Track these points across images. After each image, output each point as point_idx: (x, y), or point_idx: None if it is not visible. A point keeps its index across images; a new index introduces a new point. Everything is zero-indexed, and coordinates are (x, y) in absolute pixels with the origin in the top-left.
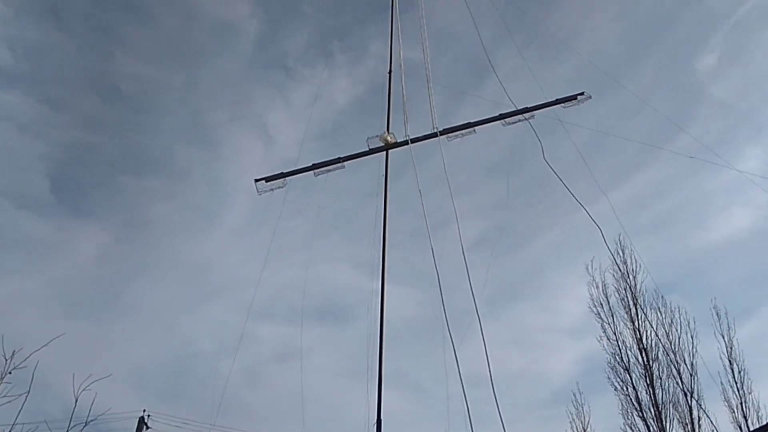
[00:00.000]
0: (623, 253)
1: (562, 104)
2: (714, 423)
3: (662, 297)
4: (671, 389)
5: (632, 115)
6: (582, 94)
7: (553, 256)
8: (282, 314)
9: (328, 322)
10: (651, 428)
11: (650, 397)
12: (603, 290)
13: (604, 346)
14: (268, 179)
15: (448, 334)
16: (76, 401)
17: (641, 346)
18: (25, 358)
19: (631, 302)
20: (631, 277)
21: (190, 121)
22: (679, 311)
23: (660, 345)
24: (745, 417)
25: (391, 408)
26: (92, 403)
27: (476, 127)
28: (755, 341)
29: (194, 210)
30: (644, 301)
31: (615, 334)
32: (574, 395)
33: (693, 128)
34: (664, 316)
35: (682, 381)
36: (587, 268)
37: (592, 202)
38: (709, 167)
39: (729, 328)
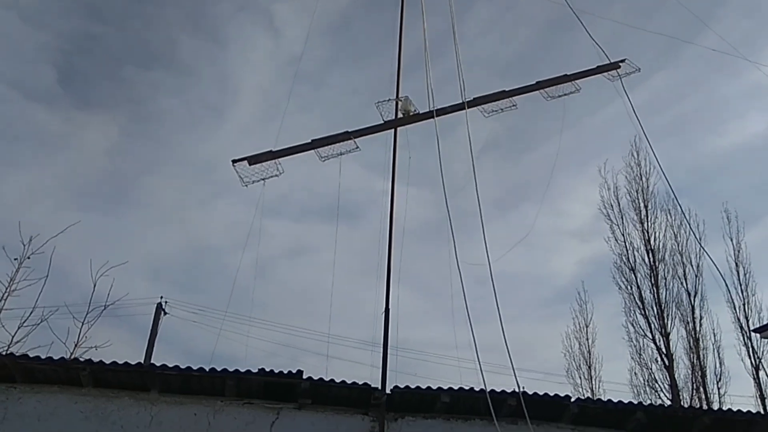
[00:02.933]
0: (637, 155)
1: (605, 73)
2: (715, 322)
3: (675, 199)
4: (675, 289)
5: (652, 12)
6: (624, 61)
7: (564, 159)
8: (292, 212)
9: (339, 220)
10: (653, 325)
11: (654, 296)
12: (614, 192)
13: (611, 247)
14: (252, 160)
15: (450, 227)
16: (95, 286)
17: (648, 247)
18: (42, 244)
19: (642, 204)
20: (643, 179)
21: (195, 11)
22: (689, 214)
23: (667, 247)
24: (746, 317)
25: (400, 302)
26: (110, 288)
27: (514, 98)
28: (762, 247)
29: (201, 105)
30: (655, 203)
31: (623, 235)
32: (578, 293)
33: (717, 28)
34: (673, 218)
35: (686, 281)
36: (600, 171)
37: (609, 102)
38: (728, 71)
39: (738, 231)
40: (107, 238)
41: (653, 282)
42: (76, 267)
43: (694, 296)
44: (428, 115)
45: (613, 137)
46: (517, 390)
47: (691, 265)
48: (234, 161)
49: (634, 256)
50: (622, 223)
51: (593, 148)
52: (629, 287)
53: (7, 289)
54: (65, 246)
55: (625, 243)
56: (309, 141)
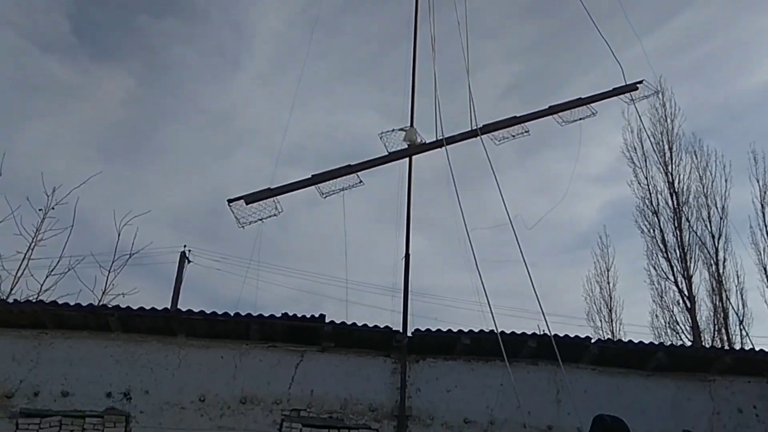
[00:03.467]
0: (662, 96)
1: (623, 94)
2: (739, 264)
3: (699, 140)
4: (699, 232)
5: None
6: (641, 82)
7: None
8: (310, 161)
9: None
10: (675, 268)
11: (677, 239)
12: (638, 134)
13: (634, 191)
14: (249, 199)
15: (452, 178)
16: (119, 235)
17: (672, 190)
18: (65, 194)
19: (666, 146)
20: (668, 121)
21: None
22: (715, 155)
23: (691, 189)
24: None
25: (418, 249)
26: (134, 238)
27: (526, 123)
28: None
29: (216, 53)
30: (680, 145)
31: (647, 178)
32: (600, 238)
33: None
34: (699, 160)
35: (711, 224)
36: (623, 113)
37: (631, 45)
38: (758, 7)
39: (765, 172)
40: (128, 188)
41: (676, 225)
42: (100, 217)
43: (718, 238)
44: (437, 144)
45: (638, 77)
46: (537, 332)
47: (716, 207)
48: (230, 201)
49: (658, 199)
50: (646, 166)
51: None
52: (652, 231)
53: (33, 239)
54: (88, 196)
55: (648, 186)
56: (309, 177)
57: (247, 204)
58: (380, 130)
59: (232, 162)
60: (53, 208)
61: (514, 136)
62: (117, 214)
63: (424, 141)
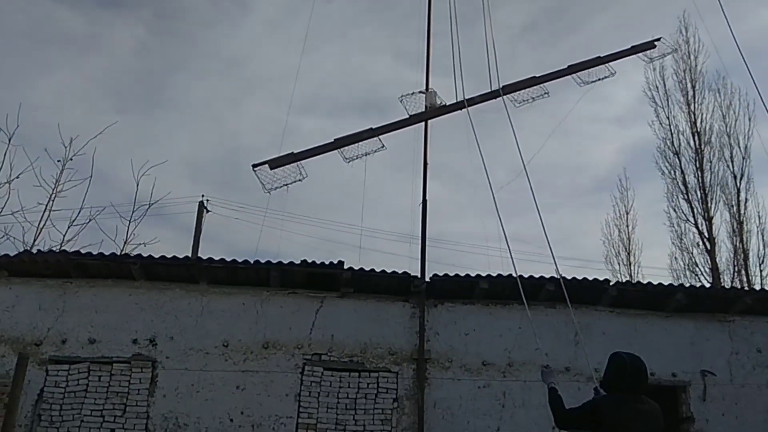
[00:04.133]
0: (686, 32)
1: (642, 53)
2: (760, 205)
3: (723, 78)
4: (720, 173)
5: None
6: (659, 40)
7: (606, 41)
8: (324, 108)
9: (372, 115)
10: (695, 210)
11: (698, 180)
12: (660, 73)
13: (655, 131)
14: (273, 164)
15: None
16: (138, 185)
17: (695, 129)
18: (83, 145)
19: (689, 85)
20: (691, 58)
21: None
22: (739, 93)
23: (714, 129)
24: None
25: (434, 196)
26: (152, 188)
27: (545, 83)
28: None
29: None
30: (703, 83)
31: (668, 118)
32: (620, 180)
33: None
34: (722, 98)
35: (733, 164)
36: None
37: None
38: None
39: None
40: (144, 138)
41: (698, 165)
42: (118, 168)
43: (740, 179)
44: (458, 106)
45: (660, 13)
46: (555, 275)
47: (739, 147)
48: (254, 165)
49: (679, 139)
50: (668, 105)
51: (638, 25)
52: (672, 172)
53: (53, 190)
54: (105, 147)
55: (670, 126)
56: (332, 140)
57: (271, 169)
58: (395, 75)
59: (245, 110)
60: (71, 159)
61: (534, 98)
62: (134, 165)
63: (444, 103)
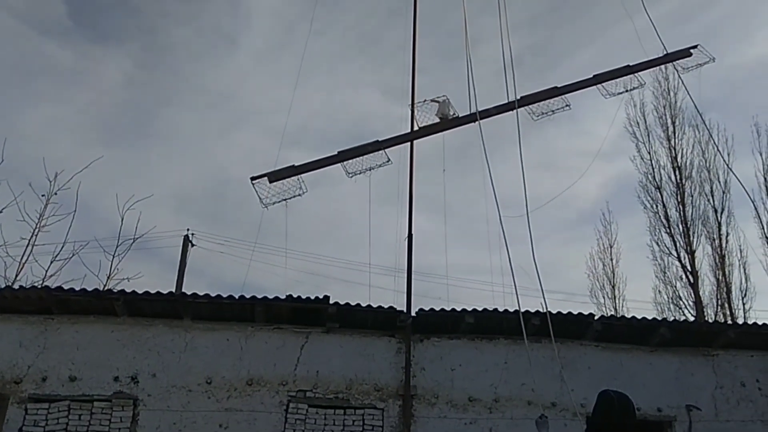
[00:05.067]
0: (665, 69)
1: (675, 61)
2: (741, 239)
3: (701, 115)
4: (701, 207)
5: None
6: (696, 47)
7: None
8: (312, 141)
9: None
10: (678, 243)
11: (680, 214)
12: (641, 109)
13: (636, 166)
14: (273, 177)
15: (485, 154)
16: (122, 220)
17: (675, 164)
18: (67, 179)
19: (669, 120)
20: (671, 94)
21: None
22: (718, 129)
23: (694, 163)
24: None
25: (420, 229)
26: (137, 222)
27: (567, 95)
28: None
29: (214, 33)
30: (683, 119)
31: (649, 153)
32: (603, 214)
33: None
34: (701, 134)
35: (713, 198)
36: (625, 86)
37: (634, 14)
38: None
39: None
40: (130, 172)
41: (679, 200)
42: (103, 202)
43: (721, 213)
44: (471, 118)
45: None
46: (541, 309)
47: (719, 182)
48: (253, 178)
49: (660, 174)
50: (649, 140)
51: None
52: (654, 206)
53: (37, 224)
54: (90, 181)
55: (651, 161)
56: (336, 153)
57: (270, 182)
58: (381, 109)
59: (233, 143)
60: (56, 194)
61: (554, 111)
62: (119, 199)
63: (457, 114)
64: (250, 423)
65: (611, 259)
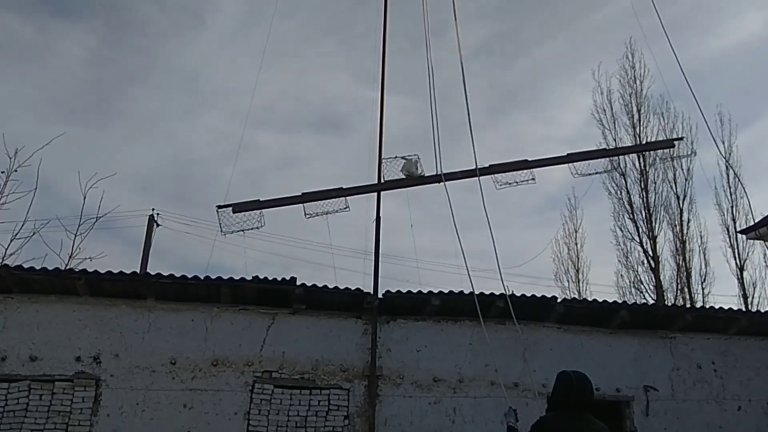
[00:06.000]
0: (632, 58)
1: (657, 150)
2: (702, 225)
3: (666, 102)
4: (664, 193)
5: None
6: (681, 139)
7: (557, 65)
8: (280, 123)
9: (327, 131)
10: (640, 229)
11: (643, 200)
12: (608, 96)
13: None
14: (237, 208)
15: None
16: (85, 198)
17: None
18: (28, 156)
19: (635, 108)
20: (637, 82)
21: None
22: (682, 117)
23: (658, 151)
24: (734, 219)
25: (389, 212)
26: (100, 201)
27: (534, 170)
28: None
29: (181, 11)
30: (648, 107)
31: (615, 140)
32: (569, 199)
33: None
34: (666, 121)
35: (676, 185)
36: (593, 74)
37: (605, 3)
38: None
39: (730, 134)
40: (93, 150)
41: (643, 186)
42: (64, 180)
43: (683, 199)
44: (436, 179)
45: (608, 39)
46: (504, 292)
47: (682, 169)
48: (219, 207)
49: (625, 161)
50: (614, 128)
51: (587, 50)
52: (619, 192)
53: None
54: (51, 159)
55: (617, 148)
56: (300, 194)
57: (234, 212)
58: (351, 92)
59: (199, 124)
60: (16, 171)
61: (518, 182)
62: (82, 177)
63: (423, 173)
64: (215, 403)
65: (576, 244)
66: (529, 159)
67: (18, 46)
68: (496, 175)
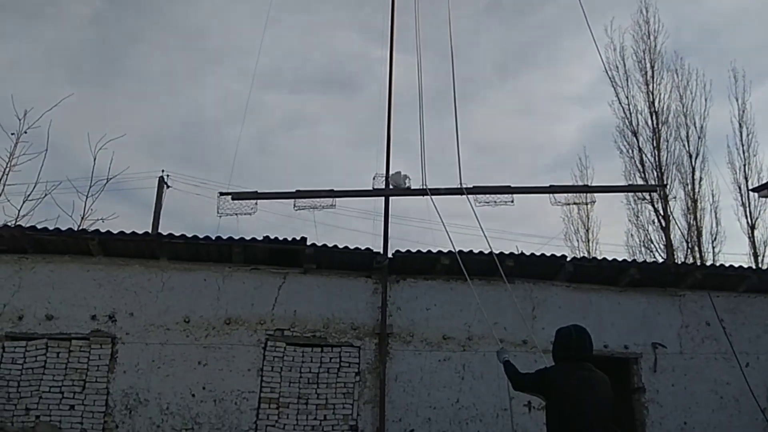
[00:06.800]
0: (646, 12)
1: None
2: (714, 184)
3: (681, 59)
4: (677, 152)
5: None
6: (664, 186)
7: (569, 19)
8: (287, 82)
9: (335, 90)
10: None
11: (655, 159)
12: (620, 53)
13: (614, 111)
14: (236, 196)
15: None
16: (95, 160)
17: (653, 109)
18: (37, 118)
19: (648, 65)
20: (651, 38)
21: None
22: (696, 74)
23: (671, 108)
24: (746, 178)
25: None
26: (110, 163)
27: (515, 195)
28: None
29: None
30: (661, 63)
31: (627, 98)
32: (579, 159)
33: None
34: (680, 79)
35: (689, 143)
36: (606, 30)
37: None
38: None
39: (744, 91)
40: (101, 111)
41: (655, 145)
42: (74, 141)
43: (696, 158)
44: (422, 192)
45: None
46: (515, 251)
47: (695, 127)
48: (220, 194)
49: (638, 119)
50: (627, 85)
51: (600, 5)
52: (630, 151)
53: (7, 164)
54: (61, 120)
55: (628, 106)
56: (294, 191)
57: (233, 200)
58: (359, 49)
59: (206, 84)
60: (26, 132)
61: (496, 202)
62: (91, 138)
63: (409, 186)
64: (229, 360)
65: (586, 204)
66: (512, 185)
67: (23, 7)
68: (478, 196)
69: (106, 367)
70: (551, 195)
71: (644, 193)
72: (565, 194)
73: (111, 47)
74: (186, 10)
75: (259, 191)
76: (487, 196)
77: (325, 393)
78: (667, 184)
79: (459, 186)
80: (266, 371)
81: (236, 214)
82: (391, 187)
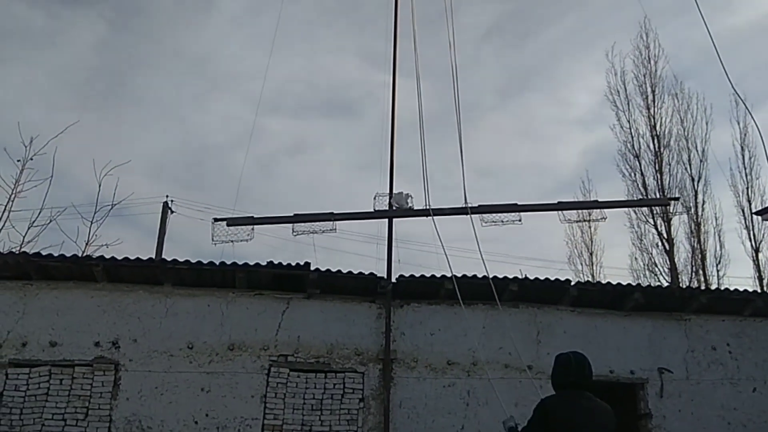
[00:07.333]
0: (646, 38)
1: (653, 206)
2: (717, 207)
3: (681, 83)
4: (679, 175)
5: None
6: (677, 199)
7: (569, 44)
8: (290, 108)
9: (337, 115)
10: (655, 211)
11: (657, 182)
12: (621, 77)
13: (616, 134)
14: (231, 222)
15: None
16: (100, 186)
17: (654, 133)
18: (43, 145)
19: (649, 89)
20: (651, 62)
21: None
22: (696, 98)
23: (673, 132)
24: (749, 201)
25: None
26: (115, 188)
27: (522, 213)
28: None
29: None
30: (662, 87)
31: (629, 122)
32: (582, 182)
33: None
34: (680, 102)
35: (690, 167)
36: (607, 55)
37: None
38: None
39: (745, 114)
40: (106, 137)
41: (657, 168)
42: (79, 167)
43: (698, 181)
44: (424, 212)
45: (621, 18)
46: (519, 276)
47: (696, 150)
48: (215, 219)
49: (639, 142)
50: (628, 109)
51: (600, 29)
52: (633, 174)
53: (13, 190)
54: (66, 146)
55: (630, 130)
56: (292, 215)
57: (228, 226)
58: (361, 75)
59: (210, 109)
60: (31, 159)
61: (503, 222)
62: (96, 165)
63: (412, 206)
64: (232, 386)
65: (589, 227)
66: (519, 203)
67: (29, 34)
68: (483, 215)
69: (109, 394)
70: (560, 212)
71: (651, 209)
72: (575, 211)
73: (116, 74)
74: (190, 37)
75: (255, 216)
76: (494, 215)
77: (329, 420)
78: (679, 197)
79: (464, 205)
80: (269, 398)
81: (232, 241)
82: (393, 207)
